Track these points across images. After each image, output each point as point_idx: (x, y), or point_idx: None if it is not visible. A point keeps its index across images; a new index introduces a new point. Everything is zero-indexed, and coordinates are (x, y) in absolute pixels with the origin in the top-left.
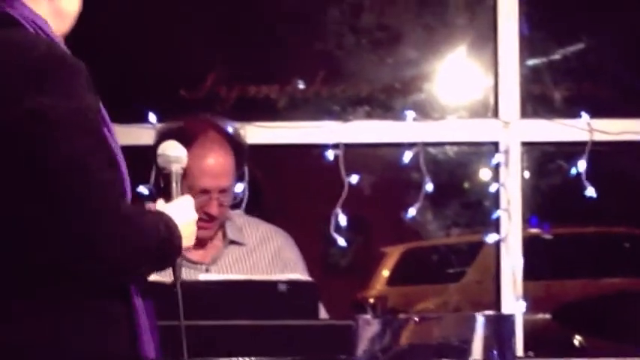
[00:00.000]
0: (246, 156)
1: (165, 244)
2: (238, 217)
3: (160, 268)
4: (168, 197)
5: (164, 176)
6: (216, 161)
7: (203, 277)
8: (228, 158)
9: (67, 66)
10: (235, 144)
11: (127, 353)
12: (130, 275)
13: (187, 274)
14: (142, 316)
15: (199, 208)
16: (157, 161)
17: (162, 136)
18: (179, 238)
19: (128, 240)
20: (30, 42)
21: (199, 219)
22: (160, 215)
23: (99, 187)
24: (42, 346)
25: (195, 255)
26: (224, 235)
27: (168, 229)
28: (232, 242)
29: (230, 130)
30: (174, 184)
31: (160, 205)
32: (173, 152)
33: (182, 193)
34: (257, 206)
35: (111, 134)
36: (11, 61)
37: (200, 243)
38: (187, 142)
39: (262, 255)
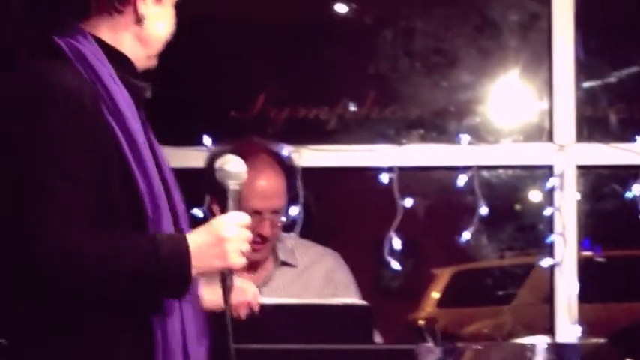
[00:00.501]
0: (297, 178)
1: (148, 268)
2: (289, 239)
3: (153, 289)
4: (224, 214)
5: (221, 192)
6: (268, 182)
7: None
8: (279, 179)
9: (58, 97)
10: (286, 166)
11: None
12: (98, 300)
13: None
14: (161, 338)
15: (252, 230)
16: (214, 176)
17: (213, 159)
18: (178, 257)
19: (71, 268)
20: (37, 75)
21: (253, 241)
22: (148, 239)
23: (49, 214)
24: None
25: (246, 276)
26: (275, 257)
27: (159, 251)
28: (283, 263)
29: (280, 152)
30: (230, 201)
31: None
32: (232, 168)
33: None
34: (311, 229)
35: (140, 161)
36: (11, 92)
37: (252, 265)
38: None
39: (313, 276)
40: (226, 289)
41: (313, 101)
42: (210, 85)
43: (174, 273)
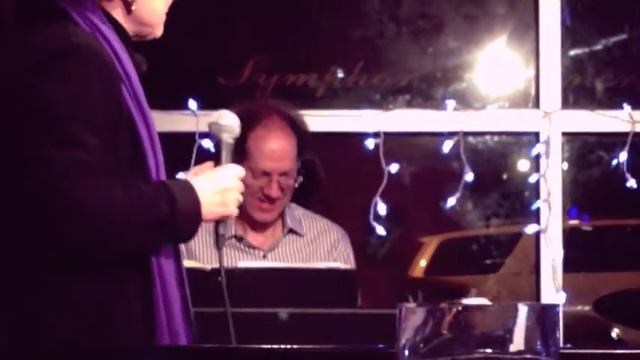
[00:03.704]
0: (308, 141)
1: (160, 213)
2: (297, 209)
3: (168, 237)
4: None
5: (216, 145)
6: (278, 144)
7: (243, 264)
8: (289, 142)
9: (77, 56)
10: (297, 128)
11: (136, 335)
12: (111, 249)
13: (244, 258)
14: (161, 297)
15: (259, 190)
16: (209, 129)
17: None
18: (191, 204)
19: (84, 218)
20: (54, 35)
21: (260, 201)
22: (159, 186)
23: (76, 163)
24: (34, 323)
25: (254, 239)
26: (283, 224)
27: (169, 198)
28: (291, 231)
29: (292, 113)
30: (223, 154)
31: (201, 175)
32: (225, 121)
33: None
34: (295, 194)
35: (144, 121)
36: (29, 52)
37: (261, 226)
38: (250, 124)
39: (319, 248)
40: (220, 237)
41: (301, 68)
42: (199, 51)
43: (188, 221)
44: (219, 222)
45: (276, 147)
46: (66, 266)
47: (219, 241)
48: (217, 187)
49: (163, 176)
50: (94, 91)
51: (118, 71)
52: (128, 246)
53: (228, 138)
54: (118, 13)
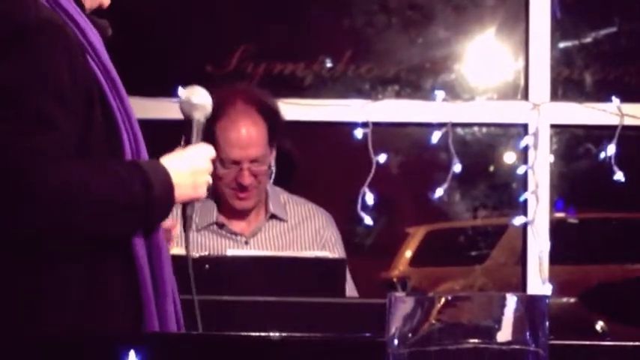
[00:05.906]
0: (281, 124)
1: (136, 197)
2: (282, 193)
3: (141, 220)
4: (188, 146)
5: (186, 124)
6: (245, 132)
7: (231, 252)
8: (257, 128)
9: (41, 31)
10: (266, 112)
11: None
12: (83, 233)
13: (227, 244)
14: (149, 284)
15: (233, 180)
16: (180, 107)
17: None
18: (166, 188)
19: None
20: (14, 10)
21: (235, 190)
22: (133, 168)
23: (45, 141)
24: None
25: (236, 226)
26: (266, 209)
27: (144, 180)
28: (273, 217)
29: (261, 98)
30: (194, 133)
31: (172, 154)
32: (197, 99)
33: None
34: (284, 182)
35: (116, 91)
36: None
37: (240, 214)
38: (216, 115)
39: (303, 233)
40: (187, 219)
41: (289, 57)
42: (187, 39)
43: (162, 204)
44: (186, 204)
45: (242, 135)
46: (43, 251)
47: (186, 223)
48: (190, 169)
49: (142, 149)
50: (60, 66)
51: (83, 43)
52: (102, 230)
53: (201, 117)
54: None
